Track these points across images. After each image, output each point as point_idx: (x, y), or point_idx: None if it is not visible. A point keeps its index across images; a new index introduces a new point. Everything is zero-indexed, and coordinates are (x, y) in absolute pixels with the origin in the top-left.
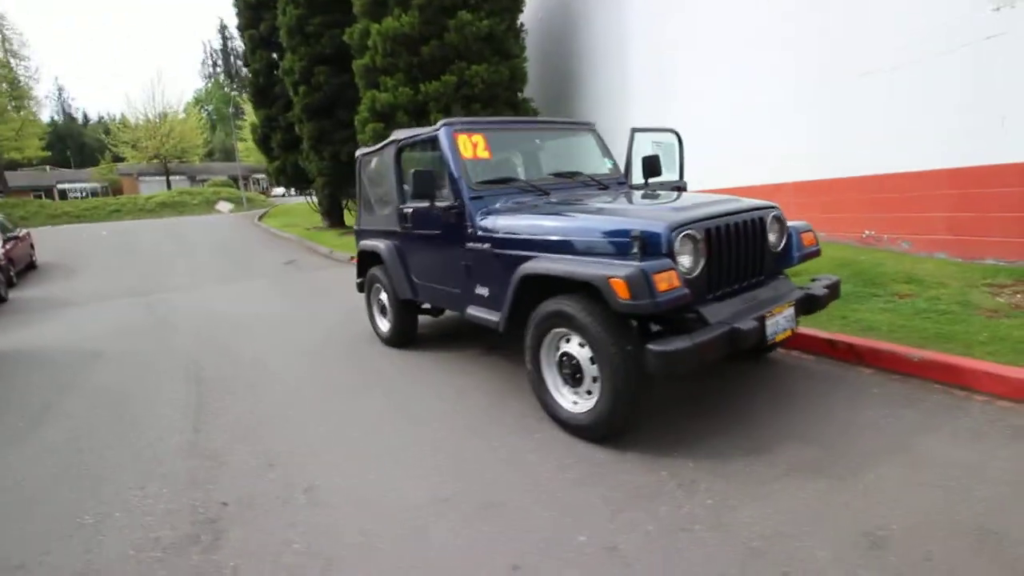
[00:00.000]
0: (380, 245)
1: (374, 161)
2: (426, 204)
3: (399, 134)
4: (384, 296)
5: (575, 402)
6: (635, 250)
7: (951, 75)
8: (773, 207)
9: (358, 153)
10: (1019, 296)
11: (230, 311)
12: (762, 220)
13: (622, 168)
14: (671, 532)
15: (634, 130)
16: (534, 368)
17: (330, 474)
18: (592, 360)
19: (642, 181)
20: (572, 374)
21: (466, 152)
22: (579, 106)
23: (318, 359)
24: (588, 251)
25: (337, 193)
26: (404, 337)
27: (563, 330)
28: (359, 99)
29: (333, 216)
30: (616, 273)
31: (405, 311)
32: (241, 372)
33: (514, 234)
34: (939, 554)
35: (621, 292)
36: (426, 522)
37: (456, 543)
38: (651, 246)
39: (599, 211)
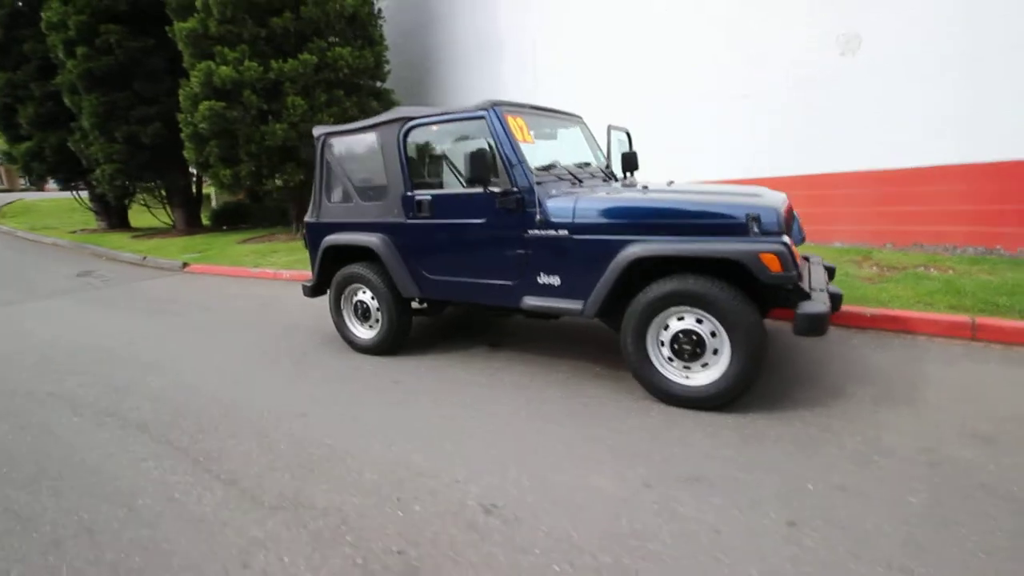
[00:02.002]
0: (370, 239)
1: (353, 142)
2: (468, 190)
3: (401, 111)
4: (368, 297)
5: (687, 376)
6: (756, 229)
7: (798, 103)
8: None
9: (319, 131)
10: (875, 267)
11: (92, 340)
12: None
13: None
14: (863, 464)
15: (611, 127)
16: (638, 350)
17: (501, 488)
18: (712, 334)
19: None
20: (692, 350)
21: (518, 135)
22: (441, 101)
23: (342, 385)
24: (697, 231)
25: (133, 184)
26: (397, 342)
27: (681, 308)
28: (175, 69)
29: (113, 215)
30: (764, 248)
31: (403, 312)
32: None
33: (604, 219)
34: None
35: (773, 266)
36: (650, 509)
37: (705, 518)
38: (765, 225)
39: (685, 193)
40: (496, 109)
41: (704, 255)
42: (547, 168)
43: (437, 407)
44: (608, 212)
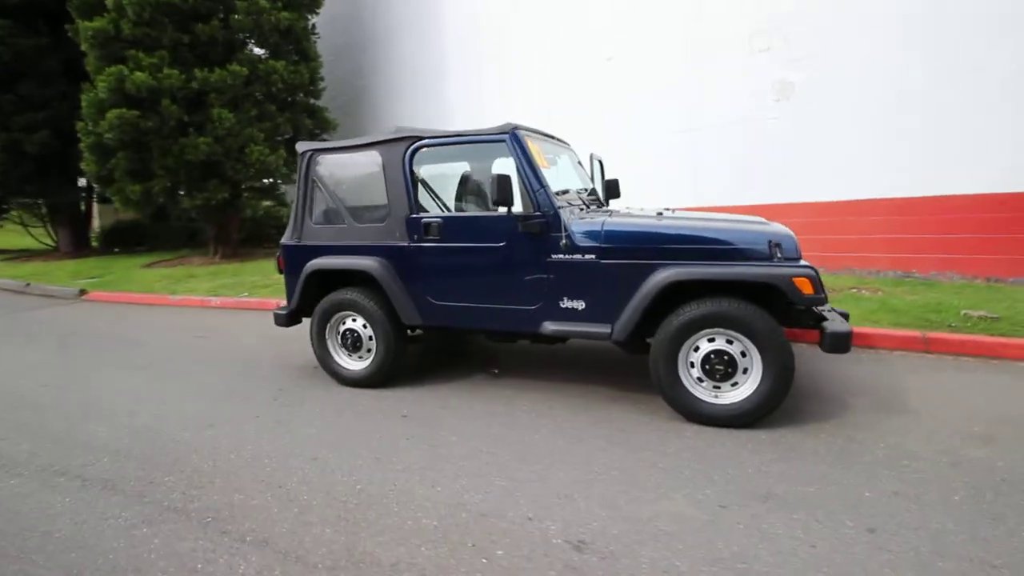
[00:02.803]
0: (367, 262)
1: (346, 160)
2: (485, 213)
3: (407, 130)
4: (359, 325)
5: (716, 396)
6: (779, 255)
7: (739, 138)
8: None
9: (304, 148)
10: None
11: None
12: None
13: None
14: (899, 470)
15: (592, 155)
16: (669, 372)
17: (579, 523)
18: (743, 354)
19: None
20: (724, 370)
21: (537, 159)
22: (378, 123)
23: (342, 422)
24: (723, 256)
25: (8, 199)
26: (392, 373)
27: (714, 330)
28: (71, 72)
29: None
30: (797, 273)
31: (401, 340)
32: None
33: (634, 243)
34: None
35: (805, 289)
36: (740, 531)
37: (795, 534)
38: (786, 251)
39: (707, 221)
40: (517, 132)
41: (743, 279)
42: (561, 193)
43: (464, 441)
44: (638, 237)
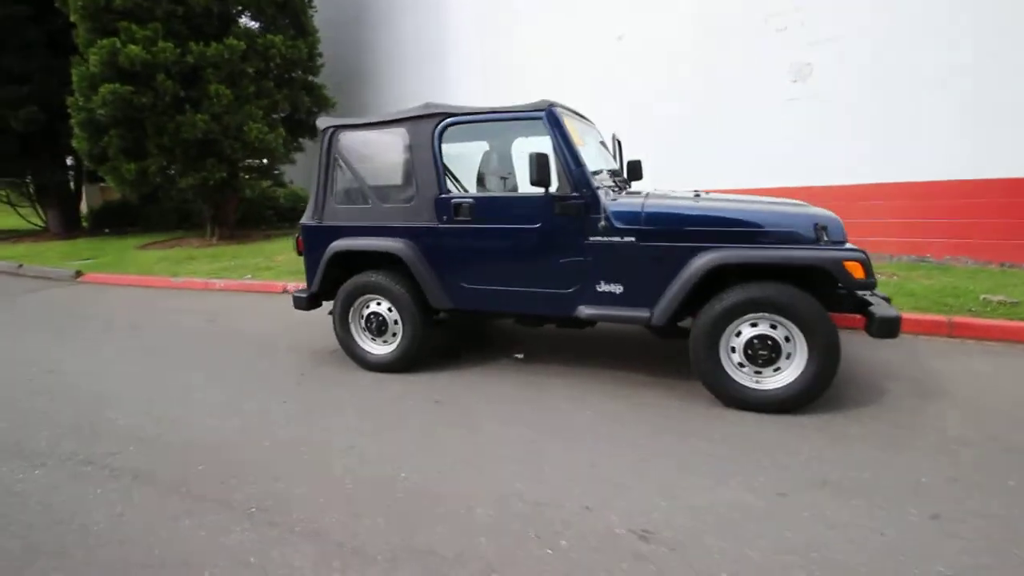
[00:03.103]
0: (395, 244)
1: (370, 137)
2: (519, 193)
3: (435, 107)
4: (384, 309)
5: (757, 381)
6: (825, 238)
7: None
8: None
9: (327, 124)
10: None
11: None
12: None
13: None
14: (951, 455)
15: (614, 136)
16: (710, 356)
17: (640, 512)
18: (787, 339)
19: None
20: (768, 355)
21: (575, 138)
22: (378, 101)
23: (372, 408)
24: (768, 239)
25: None
26: (418, 358)
27: (758, 315)
28: (56, 44)
29: None
30: (847, 256)
31: (428, 324)
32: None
33: (676, 225)
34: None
35: (857, 273)
36: (805, 519)
37: (861, 522)
38: (832, 234)
39: (751, 203)
40: (554, 109)
41: (791, 263)
42: (594, 174)
43: (504, 427)
44: (680, 219)
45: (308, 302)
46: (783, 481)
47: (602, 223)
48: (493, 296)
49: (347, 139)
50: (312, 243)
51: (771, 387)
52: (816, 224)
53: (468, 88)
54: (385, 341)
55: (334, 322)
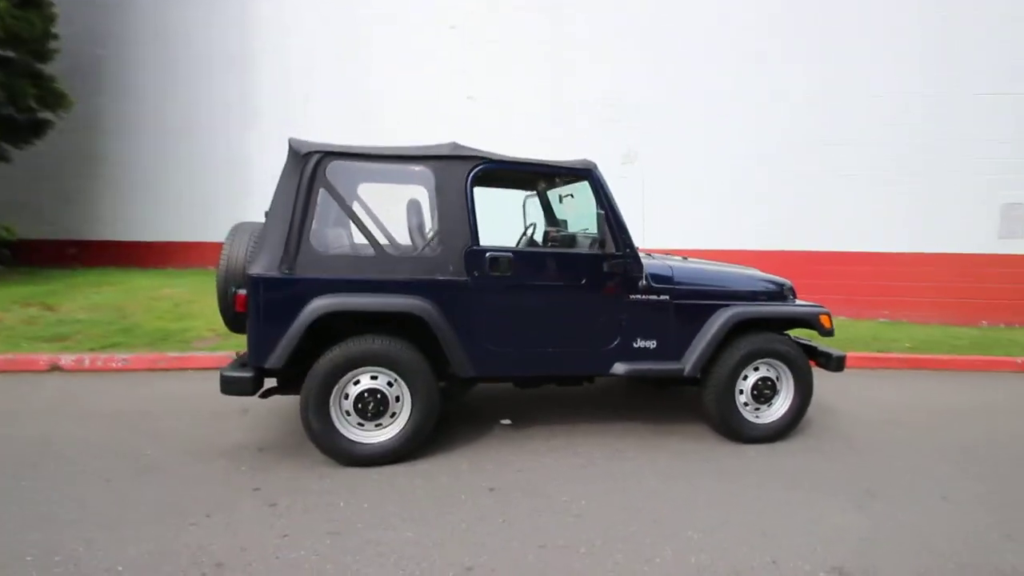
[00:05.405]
0: (416, 303)
1: (380, 171)
2: (565, 250)
3: (466, 149)
4: (384, 384)
5: (757, 416)
6: (792, 296)
7: None
8: None
9: (310, 149)
10: None
11: None
12: None
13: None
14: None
15: None
16: (727, 401)
17: (808, 553)
18: (778, 379)
19: None
20: (771, 394)
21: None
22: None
23: (424, 513)
24: (762, 298)
25: None
26: (426, 440)
27: (764, 360)
28: None
29: None
30: (822, 311)
31: (440, 398)
32: None
33: (701, 284)
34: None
35: (827, 323)
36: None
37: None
38: (791, 294)
39: (729, 267)
40: (597, 169)
41: (788, 316)
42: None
43: (577, 501)
44: (702, 280)
45: (254, 383)
46: (877, 499)
47: (642, 282)
48: (526, 359)
49: (342, 171)
50: (274, 300)
51: (769, 420)
52: (788, 286)
53: (240, 110)
54: (379, 425)
55: (304, 410)
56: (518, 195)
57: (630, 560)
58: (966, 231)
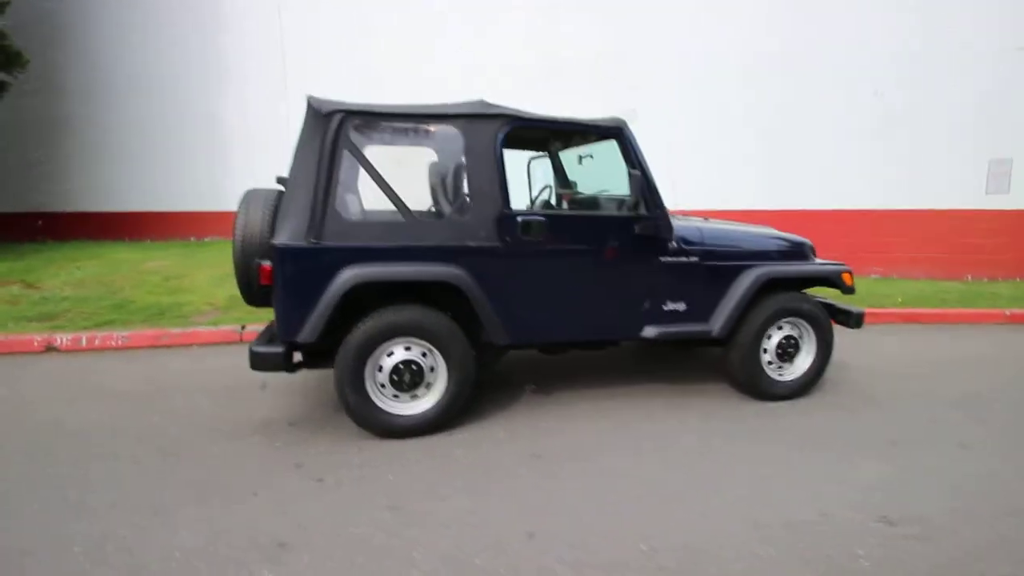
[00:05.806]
0: (451, 271)
1: (407, 133)
2: (598, 212)
3: (495, 107)
4: (418, 354)
5: (781, 375)
6: (812, 255)
7: None
8: None
9: (333, 108)
10: None
11: None
12: None
13: None
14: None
15: None
16: (752, 362)
17: (859, 503)
18: (800, 337)
19: None
20: (793, 353)
21: None
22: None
23: (488, 484)
24: (787, 257)
25: None
26: (462, 409)
27: (788, 320)
28: None
29: None
30: (845, 269)
31: (474, 367)
32: None
33: (728, 245)
34: None
35: (848, 281)
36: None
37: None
38: (812, 253)
39: (751, 227)
40: (627, 127)
41: (813, 275)
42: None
43: (645, 468)
44: (730, 241)
45: (285, 358)
46: (894, 446)
47: (672, 244)
48: (557, 324)
49: (368, 131)
50: (303, 272)
51: (791, 377)
52: (807, 245)
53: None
54: (415, 396)
55: (340, 383)
56: (521, 156)
57: (687, 514)
58: (954, 187)
